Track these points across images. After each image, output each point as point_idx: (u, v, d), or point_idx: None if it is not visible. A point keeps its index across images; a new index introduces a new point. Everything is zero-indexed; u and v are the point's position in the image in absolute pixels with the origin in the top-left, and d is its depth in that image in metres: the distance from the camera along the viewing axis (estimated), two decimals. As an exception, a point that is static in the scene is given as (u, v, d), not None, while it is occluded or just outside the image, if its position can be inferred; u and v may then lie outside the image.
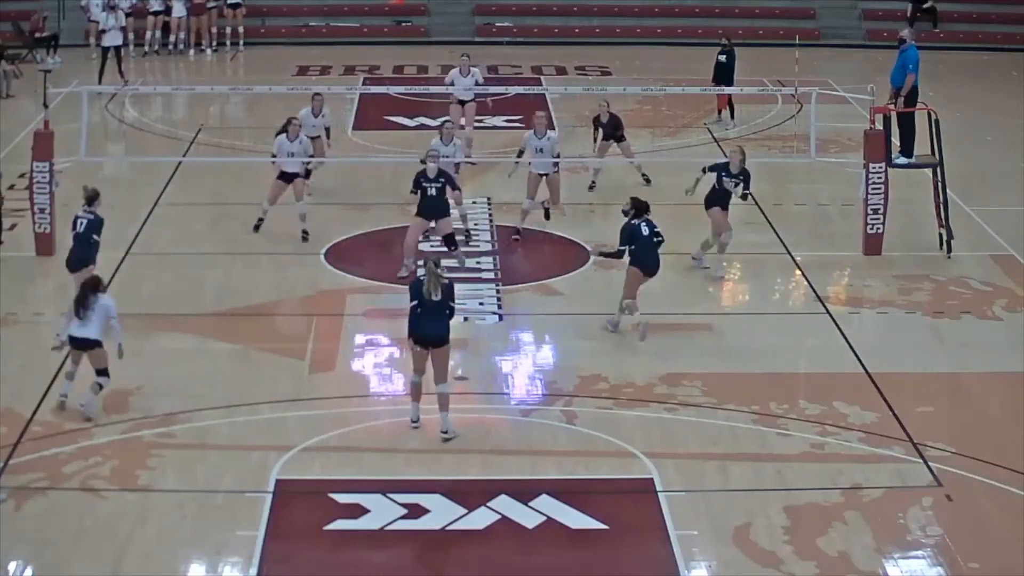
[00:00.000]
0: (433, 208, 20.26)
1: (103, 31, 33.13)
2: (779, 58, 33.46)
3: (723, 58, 28.81)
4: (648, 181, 24.49)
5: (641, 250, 18.28)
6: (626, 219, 18.44)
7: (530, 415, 16.43)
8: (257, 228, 22.02)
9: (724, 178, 20.71)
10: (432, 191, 20.17)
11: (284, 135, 21.86)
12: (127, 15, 34.52)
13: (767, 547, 13.55)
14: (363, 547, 13.73)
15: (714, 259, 20.75)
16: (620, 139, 24.43)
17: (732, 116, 28.90)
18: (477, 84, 26.22)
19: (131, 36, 35.35)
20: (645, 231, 18.29)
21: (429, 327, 15.52)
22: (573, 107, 30.24)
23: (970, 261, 21.49)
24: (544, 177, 22.06)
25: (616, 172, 25.28)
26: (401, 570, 13.44)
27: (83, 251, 18.37)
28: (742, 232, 22.63)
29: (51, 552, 13.36)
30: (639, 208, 18.49)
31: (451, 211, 20.79)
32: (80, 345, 15.99)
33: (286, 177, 21.79)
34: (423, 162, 20.35)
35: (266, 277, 20.59)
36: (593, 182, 24.45)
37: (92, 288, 16.12)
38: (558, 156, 22.21)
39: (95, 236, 18.41)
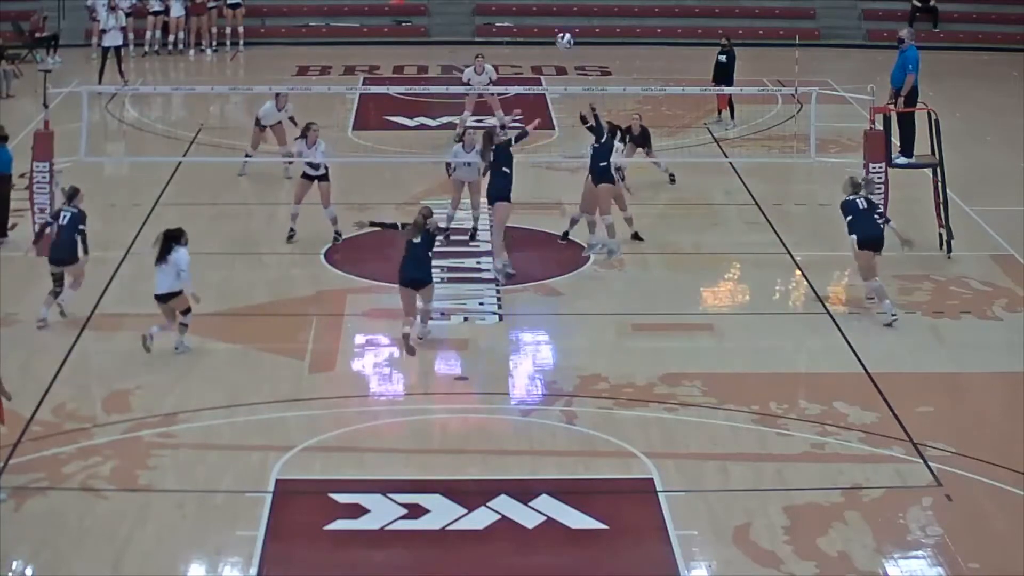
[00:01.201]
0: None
1: (103, 31, 33.14)
2: (779, 58, 33.47)
3: (723, 58, 28.82)
4: (673, 179, 24.57)
5: None
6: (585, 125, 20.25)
7: (530, 415, 16.43)
8: (291, 238, 21.84)
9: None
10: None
11: (303, 140, 21.81)
12: (127, 15, 34.52)
13: (767, 547, 13.55)
14: (363, 547, 13.73)
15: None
16: (648, 151, 24.87)
17: (732, 116, 28.90)
18: (491, 82, 27.11)
19: (131, 36, 35.34)
20: None
21: (411, 270, 17.70)
22: (574, 107, 30.22)
23: (970, 261, 21.50)
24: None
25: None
26: (401, 570, 13.44)
27: (65, 245, 18.77)
28: (742, 232, 22.64)
29: (51, 552, 13.37)
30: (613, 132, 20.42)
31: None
32: (164, 299, 17.61)
33: (308, 177, 21.80)
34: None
35: (266, 277, 20.60)
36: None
37: (175, 239, 17.63)
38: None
39: (80, 226, 18.84)
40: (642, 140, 24.85)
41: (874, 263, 19.12)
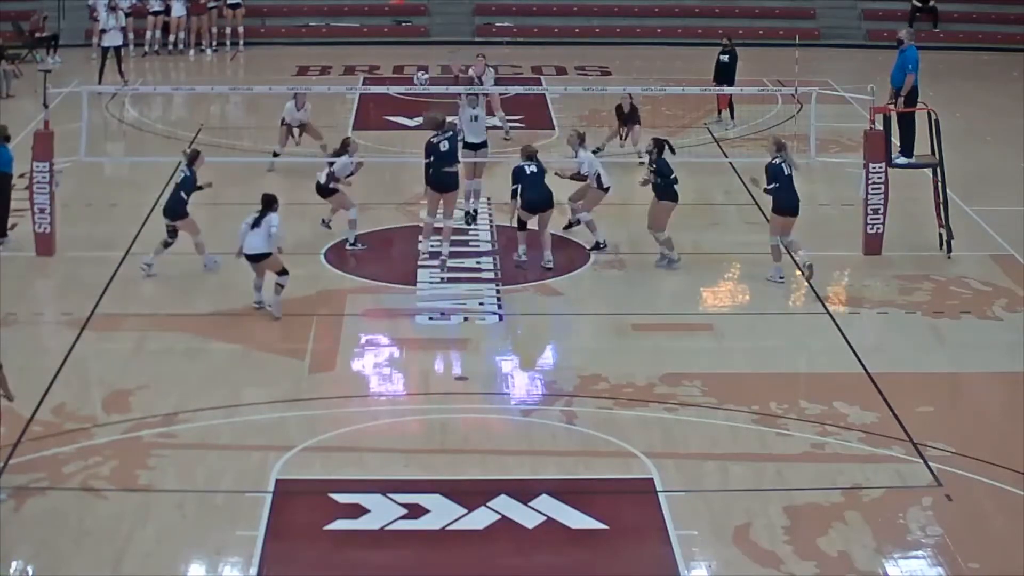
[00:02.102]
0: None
1: (103, 31, 33.13)
2: (779, 58, 33.45)
3: (725, 58, 28.81)
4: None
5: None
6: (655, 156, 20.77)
7: (530, 415, 16.43)
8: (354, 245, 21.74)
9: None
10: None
11: (346, 155, 21.57)
12: (127, 15, 34.52)
13: (767, 547, 13.55)
14: (363, 547, 13.73)
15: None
16: (636, 122, 26.04)
17: (732, 116, 28.90)
18: (495, 82, 27.50)
19: (131, 36, 35.35)
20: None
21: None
22: (574, 107, 30.27)
23: (970, 261, 21.49)
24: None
25: (617, 174, 25.29)
26: (401, 570, 13.43)
27: (172, 201, 20.50)
28: (742, 232, 22.64)
29: (51, 552, 13.36)
30: (660, 147, 20.80)
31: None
32: (256, 259, 18.86)
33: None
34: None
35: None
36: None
37: (270, 204, 18.90)
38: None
39: (183, 194, 20.37)
40: (632, 113, 25.99)
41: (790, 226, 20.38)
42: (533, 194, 20.52)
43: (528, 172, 20.59)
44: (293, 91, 25.64)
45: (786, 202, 20.27)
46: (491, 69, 27.58)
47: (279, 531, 13.80)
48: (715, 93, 28.52)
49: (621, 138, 26.39)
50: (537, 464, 15.28)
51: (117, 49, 32.88)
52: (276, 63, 35.44)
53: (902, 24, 34.86)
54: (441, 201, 20.91)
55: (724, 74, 28.67)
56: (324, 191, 21.41)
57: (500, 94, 27.86)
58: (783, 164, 20.29)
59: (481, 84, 25.75)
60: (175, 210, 20.46)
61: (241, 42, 37.32)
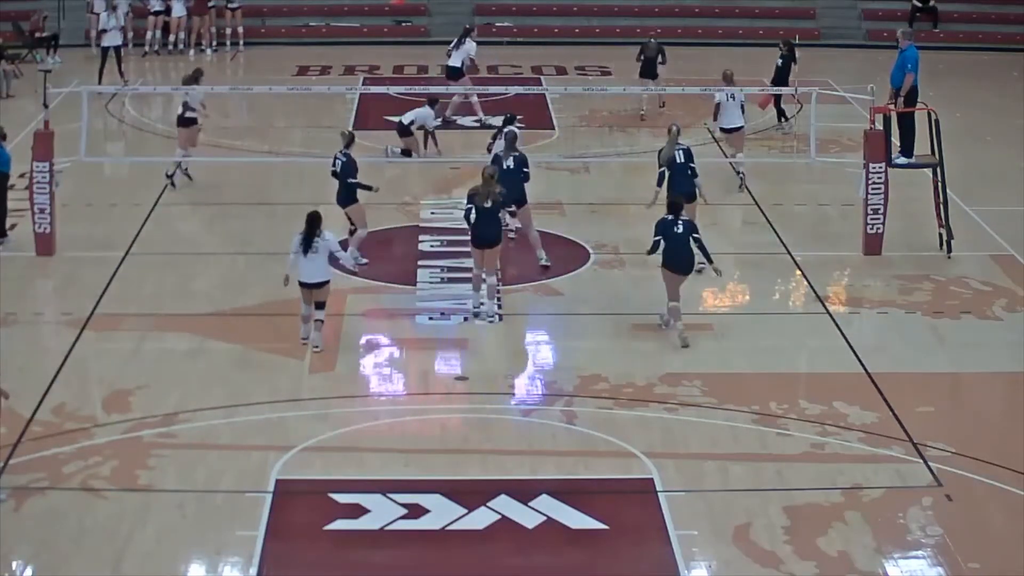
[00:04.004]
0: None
1: (103, 31, 33.09)
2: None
3: (780, 61, 28.54)
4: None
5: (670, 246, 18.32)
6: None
7: (530, 415, 16.43)
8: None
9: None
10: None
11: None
12: (127, 15, 34.51)
13: (767, 547, 13.55)
14: (363, 547, 13.73)
15: None
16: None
17: (785, 118, 28.55)
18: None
19: (131, 36, 35.34)
20: (679, 228, 18.31)
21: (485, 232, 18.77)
22: (574, 107, 30.26)
23: (970, 261, 21.49)
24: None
25: (616, 174, 25.34)
26: (401, 570, 13.44)
27: (343, 190, 20.53)
28: (742, 232, 22.66)
29: (51, 552, 13.37)
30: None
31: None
32: (316, 287, 17.83)
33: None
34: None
35: (266, 277, 20.55)
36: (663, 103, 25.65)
37: (317, 223, 17.79)
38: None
39: (349, 179, 20.41)
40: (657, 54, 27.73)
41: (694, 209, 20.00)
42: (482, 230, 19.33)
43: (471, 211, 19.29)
44: (427, 94, 26.67)
45: (676, 191, 19.65)
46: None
47: (279, 531, 13.80)
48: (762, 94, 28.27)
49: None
50: (537, 464, 15.29)
51: (117, 49, 32.80)
52: (276, 63, 35.42)
53: (902, 24, 34.85)
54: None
55: (778, 76, 28.41)
56: (404, 131, 24.60)
57: (498, 95, 27.87)
58: (678, 152, 20.25)
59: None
60: (347, 198, 20.49)
61: (241, 42, 37.31)
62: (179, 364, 17.65)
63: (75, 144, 22.66)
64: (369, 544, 13.74)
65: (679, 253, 18.16)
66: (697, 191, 20.52)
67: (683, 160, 20.39)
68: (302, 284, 17.86)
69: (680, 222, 18.26)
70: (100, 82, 31.01)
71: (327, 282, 17.91)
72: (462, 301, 19.66)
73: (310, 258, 17.79)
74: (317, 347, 17.86)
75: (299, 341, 18.04)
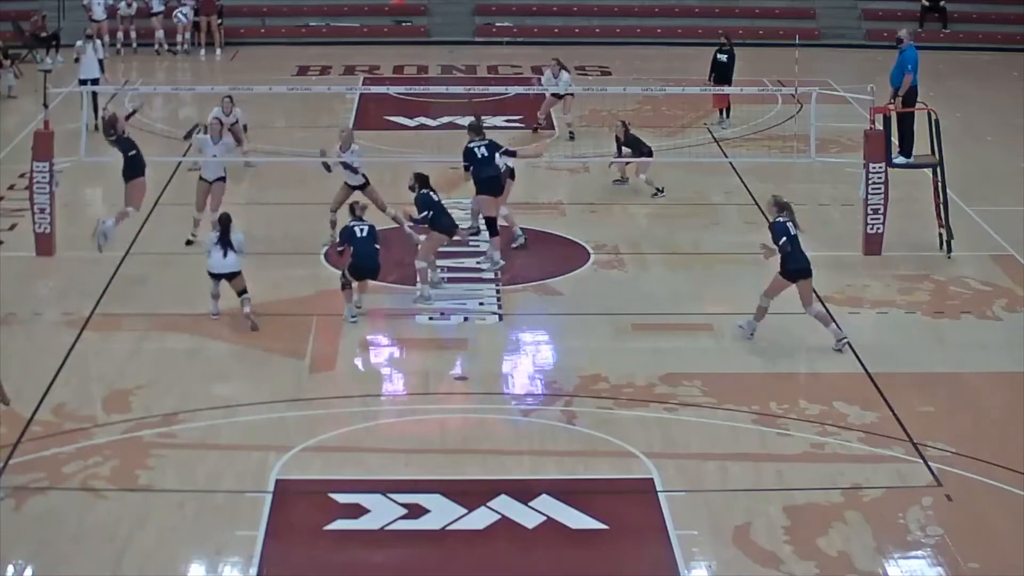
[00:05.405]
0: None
1: (76, 59, 29.45)
2: (779, 58, 33.47)
3: (723, 57, 28.82)
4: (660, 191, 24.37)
5: None
6: (414, 192, 19.86)
7: (530, 415, 16.43)
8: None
9: None
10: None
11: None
12: (128, 17, 34.51)
13: (767, 547, 13.55)
14: (363, 547, 13.73)
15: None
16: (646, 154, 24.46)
17: (727, 116, 28.89)
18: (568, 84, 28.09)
19: (133, 35, 35.32)
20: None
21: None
22: (575, 107, 30.22)
23: (970, 261, 21.49)
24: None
25: (616, 174, 25.28)
26: (401, 570, 13.44)
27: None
28: (742, 232, 22.65)
29: (51, 552, 13.37)
30: (421, 181, 19.87)
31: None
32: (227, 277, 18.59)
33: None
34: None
35: (266, 277, 20.56)
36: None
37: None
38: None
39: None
40: (631, 143, 24.35)
41: (810, 289, 18.28)
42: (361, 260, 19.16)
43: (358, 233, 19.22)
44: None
45: (794, 263, 18.15)
46: (565, 72, 27.99)
47: (279, 531, 13.80)
48: (712, 93, 28.52)
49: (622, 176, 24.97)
50: (537, 464, 15.28)
51: (95, 81, 28.18)
52: (276, 63, 35.43)
53: (902, 24, 34.78)
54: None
55: (722, 73, 28.68)
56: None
57: (498, 95, 27.87)
58: (788, 223, 18.11)
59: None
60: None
61: (218, 47, 37.33)
62: (179, 364, 17.64)
63: (75, 144, 22.67)
64: (369, 544, 13.74)
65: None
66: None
67: None
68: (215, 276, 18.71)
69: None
70: (97, 117, 29.55)
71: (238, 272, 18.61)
72: (462, 301, 19.68)
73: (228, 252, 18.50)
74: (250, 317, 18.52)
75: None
